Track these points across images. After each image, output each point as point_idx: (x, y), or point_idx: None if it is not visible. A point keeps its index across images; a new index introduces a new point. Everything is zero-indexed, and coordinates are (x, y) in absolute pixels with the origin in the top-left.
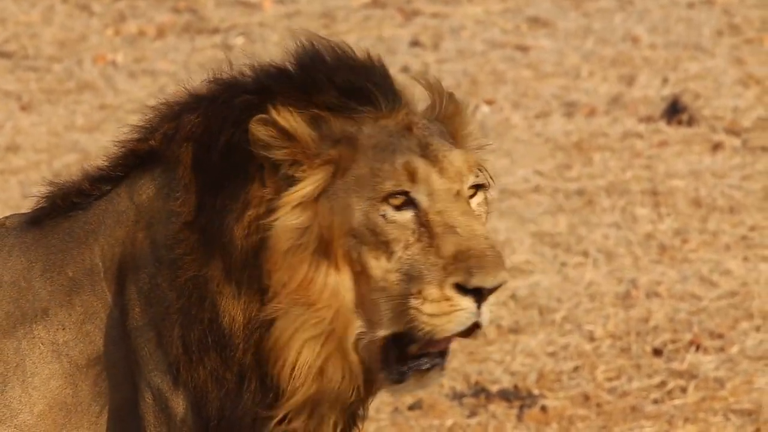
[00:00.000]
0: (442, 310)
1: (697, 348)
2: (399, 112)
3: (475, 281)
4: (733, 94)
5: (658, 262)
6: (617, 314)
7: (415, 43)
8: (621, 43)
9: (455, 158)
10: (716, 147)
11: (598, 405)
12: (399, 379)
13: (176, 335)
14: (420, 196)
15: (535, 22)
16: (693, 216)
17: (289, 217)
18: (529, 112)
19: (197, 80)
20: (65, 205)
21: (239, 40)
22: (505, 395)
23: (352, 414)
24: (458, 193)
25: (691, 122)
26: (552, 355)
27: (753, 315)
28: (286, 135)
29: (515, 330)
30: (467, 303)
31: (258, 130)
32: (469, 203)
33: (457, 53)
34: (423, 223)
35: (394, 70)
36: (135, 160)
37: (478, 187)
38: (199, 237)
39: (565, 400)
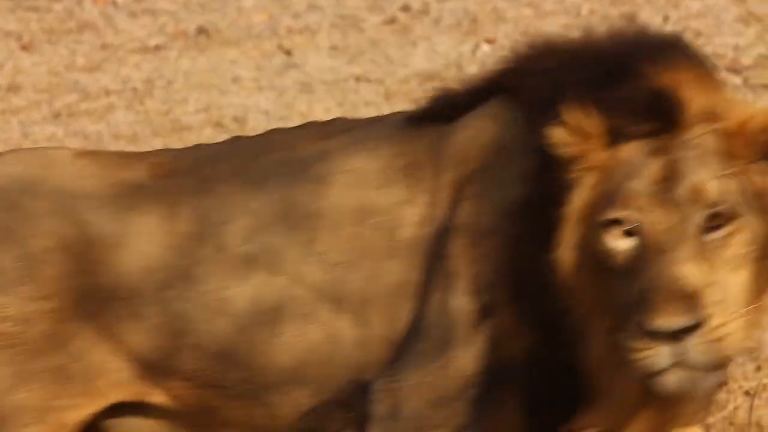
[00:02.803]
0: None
1: None
2: (672, 132)
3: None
4: (734, 32)
5: None
6: None
7: None
8: None
9: (684, 187)
10: None
11: None
12: None
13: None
14: (636, 227)
15: None
16: None
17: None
18: None
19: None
20: (443, 114)
21: None
22: None
23: None
24: (676, 227)
25: None
26: None
27: None
28: (580, 133)
29: None
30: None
31: (554, 131)
32: (694, 237)
33: None
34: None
35: (393, 9)
36: (500, 90)
37: (719, 218)
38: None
39: None
